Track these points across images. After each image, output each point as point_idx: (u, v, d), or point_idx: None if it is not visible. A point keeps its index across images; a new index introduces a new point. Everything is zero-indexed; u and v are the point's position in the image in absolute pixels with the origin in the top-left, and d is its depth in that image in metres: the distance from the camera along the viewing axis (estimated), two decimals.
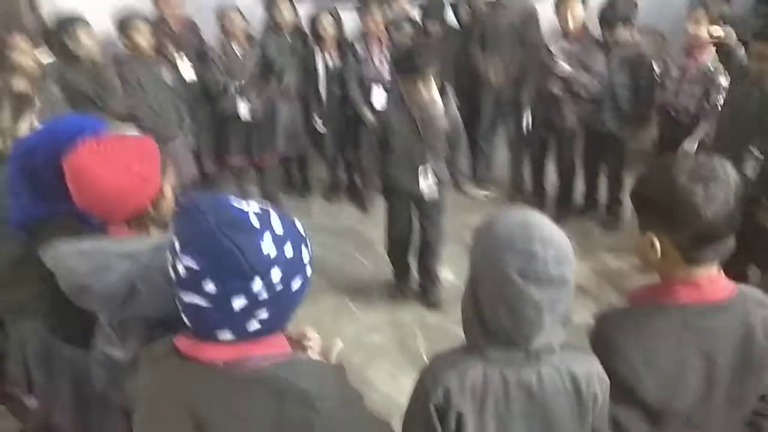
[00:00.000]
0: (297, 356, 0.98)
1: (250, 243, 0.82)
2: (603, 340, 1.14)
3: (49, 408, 2.04)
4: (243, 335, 0.86)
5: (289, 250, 0.86)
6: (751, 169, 2.47)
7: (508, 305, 1.01)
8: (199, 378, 0.87)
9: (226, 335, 0.86)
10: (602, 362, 1.11)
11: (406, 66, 2.62)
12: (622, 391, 1.10)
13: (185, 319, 0.88)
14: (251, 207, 0.87)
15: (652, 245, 1.09)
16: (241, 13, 3.66)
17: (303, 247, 0.90)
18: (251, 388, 0.86)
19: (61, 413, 1.81)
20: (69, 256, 1.20)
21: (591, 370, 1.10)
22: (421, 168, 2.80)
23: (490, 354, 1.07)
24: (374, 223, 3.95)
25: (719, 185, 1.03)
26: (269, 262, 0.83)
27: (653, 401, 1.09)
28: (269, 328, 0.89)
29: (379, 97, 3.79)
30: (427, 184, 2.82)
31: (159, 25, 3.59)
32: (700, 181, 1.03)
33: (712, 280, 1.11)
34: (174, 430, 0.89)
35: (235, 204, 0.86)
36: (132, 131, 1.29)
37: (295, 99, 3.96)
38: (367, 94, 3.79)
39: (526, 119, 3.75)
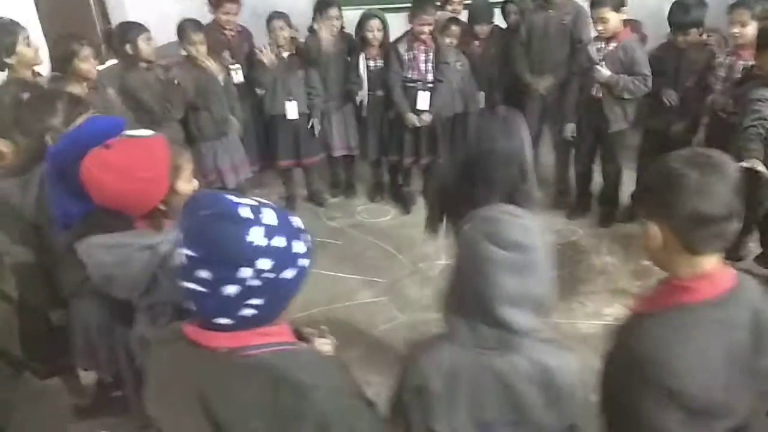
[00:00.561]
0: (297, 347, 1.02)
1: (238, 233, 0.89)
2: (648, 361, 1.10)
3: (112, 381, 2.20)
4: (240, 321, 0.93)
5: (279, 242, 0.92)
6: None
7: (474, 264, 1.11)
8: (203, 362, 0.94)
9: (223, 321, 0.92)
10: (643, 378, 1.09)
11: None
12: (665, 399, 1.09)
13: (190, 307, 0.95)
14: (246, 201, 0.94)
15: (653, 234, 1.11)
16: (288, 20, 3.78)
17: (296, 240, 0.96)
18: (250, 374, 0.92)
19: (126, 386, 1.95)
20: (96, 249, 1.33)
21: (566, 365, 1.14)
22: None
23: (463, 335, 1.14)
24: (415, 224, 4.00)
25: (714, 172, 1.04)
26: (256, 252, 0.89)
27: (700, 402, 1.09)
28: (265, 315, 0.95)
29: (423, 101, 3.84)
30: None
31: (213, 30, 3.78)
32: (695, 166, 1.05)
33: (721, 269, 1.12)
34: (184, 410, 0.96)
35: (231, 199, 0.93)
36: (147, 133, 1.37)
37: (341, 100, 4.06)
38: (411, 97, 3.83)
39: (570, 125, 3.68)
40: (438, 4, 4.01)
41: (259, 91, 3.91)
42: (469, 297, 1.12)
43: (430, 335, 1.24)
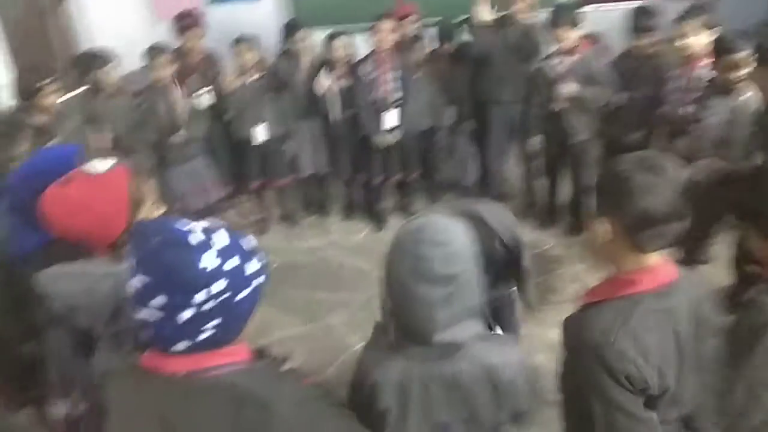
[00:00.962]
0: (254, 363, 1.03)
1: (190, 259, 0.89)
2: (595, 347, 1.16)
3: (79, 414, 2.16)
4: (197, 345, 0.93)
5: (232, 264, 0.93)
6: None
7: (404, 304, 1.12)
8: (163, 389, 0.94)
9: (180, 346, 0.93)
10: (604, 367, 1.14)
11: None
12: (627, 385, 1.15)
13: (145, 335, 0.95)
14: (196, 226, 0.95)
15: (604, 231, 1.18)
16: (253, 43, 3.82)
17: (250, 261, 0.97)
18: (211, 394, 0.93)
19: (89, 418, 1.92)
20: (59, 280, 1.33)
21: (509, 361, 1.19)
22: None
23: (409, 351, 1.17)
24: (389, 241, 4.01)
25: (660, 175, 1.12)
26: (210, 276, 0.90)
27: (655, 387, 1.16)
28: (222, 337, 0.95)
29: (391, 119, 3.89)
30: None
31: (180, 56, 3.79)
32: (642, 169, 1.12)
33: (663, 264, 1.20)
34: None
35: (180, 225, 0.94)
36: (108, 163, 1.35)
37: (310, 119, 4.09)
38: (379, 116, 3.88)
39: (535, 138, 3.79)
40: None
41: (227, 115, 3.92)
42: (408, 327, 1.16)
43: (380, 349, 1.26)
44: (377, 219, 4.27)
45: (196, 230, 0.93)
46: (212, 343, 0.94)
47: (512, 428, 1.24)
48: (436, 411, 1.18)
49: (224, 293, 0.91)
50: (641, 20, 3.40)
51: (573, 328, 1.24)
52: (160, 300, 0.89)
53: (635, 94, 3.47)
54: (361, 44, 4.04)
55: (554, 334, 3.06)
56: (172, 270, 0.88)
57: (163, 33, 4.03)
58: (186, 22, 3.95)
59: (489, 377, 1.16)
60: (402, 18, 4.15)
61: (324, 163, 4.25)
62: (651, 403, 1.19)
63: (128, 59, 3.60)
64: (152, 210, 1.41)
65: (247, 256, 0.97)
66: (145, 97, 3.56)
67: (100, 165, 1.33)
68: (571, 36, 3.40)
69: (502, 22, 3.91)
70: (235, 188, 4.25)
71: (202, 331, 0.92)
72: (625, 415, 1.16)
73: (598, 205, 1.22)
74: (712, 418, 1.33)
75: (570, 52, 3.46)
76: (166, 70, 3.52)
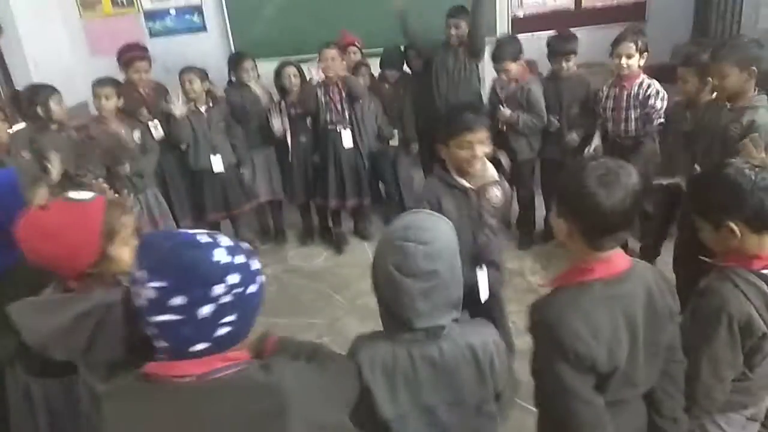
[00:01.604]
0: (253, 361, 1.06)
1: (205, 254, 0.95)
2: (549, 326, 1.26)
3: None
4: (215, 343, 0.96)
5: (240, 258, 0.99)
6: None
7: (390, 294, 1.23)
8: (170, 397, 0.95)
9: (200, 346, 0.95)
10: (555, 344, 1.24)
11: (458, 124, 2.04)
12: (575, 363, 1.23)
13: (162, 343, 0.96)
14: (199, 231, 1.01)
15: (563, 229, 1.30)
16: (200, 73, 3.82)
17: (251, 258, 1.03)
18: (219, 395, 0.95)
19: None
20: (30, 315, 1.31)
21: (487, 340, 1.30)
22: (479, 270, 2.19)
23: (397, 336, 1.27)
24: (348, 263, 4.07)
25: (620, 188, 1.22)
26: (225, 269, 0.95)
27: (603, 365, 1.24)
28: (238, 332, 0.99)
29: (347, 139, 3.99)
30: (484, 286, 2.17)
31: (128, 89, 3.74)
32: (604, 185, 1.21)
33: (617, 254, 1.31)
34: None
35: (185, 231, 1.01)
36: (87, 195, 1.36)
37: (265, 147, 4.13)
38: (335, 138, 3.97)
39: None
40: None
41: (182, 146, 3.88)
42: (394, 315, 1.25)
43: (371, 333, 1.35)
44: (337, 243, 4.30)
45: (201, 233, 1.00)
46: (228, 341, 0.98)
47: (495, 407, 1.34)
48: (423, 393, 1.26)
49: (238, 286, 0.96)
50: (562, 45, 3.63)
51: (532, 312, 1.34)
52: (179, 299, 0.92)
53: (562, 114, 3.70)
54: (308, 73, 4.11)
55: (517, 342, 3.15)
56: (190, 267, 0.93)
57: (101, 67, 3.96)
58: (130, 55, 3.91)
59: (471, 355, 1.27)
60: (346, 46, 4.27)
61: (279, 189, 4.27)
62: (602, 383, 1.28)
63: (66, 95, 3.52)
64: (127, 242, 1.41)
65: (249, 254, 1.03)
66: (91, 131, 3.49)
67: (81, 194, 1.34)
68: (513, 68, 3.62)
69: (446, 47, 4.09)
70: (191, 219, 4.18)
71: (220, 327, 0.96)
72: (573, 397, 1.24)
73: (558, 207, 1.33)
74: (674, 398, 1.43)
75: (509, 80, 3.67)
76: (111, 103, 3.47)
